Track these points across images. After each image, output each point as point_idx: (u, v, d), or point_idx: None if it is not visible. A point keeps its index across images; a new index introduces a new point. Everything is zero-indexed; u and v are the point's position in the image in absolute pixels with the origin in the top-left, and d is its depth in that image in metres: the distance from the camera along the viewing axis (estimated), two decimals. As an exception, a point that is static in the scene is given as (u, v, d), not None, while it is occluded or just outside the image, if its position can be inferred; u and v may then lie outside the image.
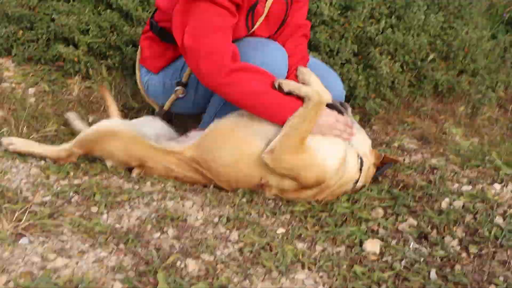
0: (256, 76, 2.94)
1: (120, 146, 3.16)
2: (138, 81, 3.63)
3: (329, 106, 3.04)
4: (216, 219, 2.82)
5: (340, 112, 3.08)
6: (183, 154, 3.12)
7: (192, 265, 2.40)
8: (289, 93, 2.95)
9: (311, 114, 2.90)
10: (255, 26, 3.23)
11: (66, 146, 3.24)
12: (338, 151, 2.99)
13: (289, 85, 2.94)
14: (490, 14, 5.07)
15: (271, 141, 2.92)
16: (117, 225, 2.68)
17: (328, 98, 2.99)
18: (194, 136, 3.19)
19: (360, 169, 3.06)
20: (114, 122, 3.31)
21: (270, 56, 3.11)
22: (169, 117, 3.56)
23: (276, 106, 2.93)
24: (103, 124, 3.23)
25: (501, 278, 2.47)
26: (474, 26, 4.52)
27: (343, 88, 3.57)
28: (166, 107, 3.50)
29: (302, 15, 3.49)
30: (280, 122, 2.93)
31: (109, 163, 3.22)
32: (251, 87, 2.92)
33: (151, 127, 3.36)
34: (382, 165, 3.20)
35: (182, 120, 3.75)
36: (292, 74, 3.21)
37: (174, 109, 3.54)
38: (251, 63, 2.99)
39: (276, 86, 2.94)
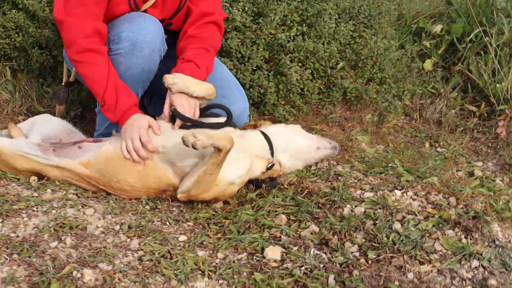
0: (101, 72, 3.08)
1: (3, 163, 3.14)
2: None
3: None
4: (117, 227, 2.77)
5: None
6: (76, 171, 3.10)
7: (88, 275, 2.35)
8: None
9: (222, 159, 2.93)
10: (145, 7, 3.27)
11: None
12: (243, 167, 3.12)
13: (202, 143, 2.83)
14: (399, 25, 5.20)
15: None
16: (12, 234, 2.60)
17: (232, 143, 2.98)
18: (88, 149, 3.17)
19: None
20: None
21: (138, 26, 3.15)
22: (70, 86, 3.66)
23: (112, 104, 3.08)
24: None
25: (396, 283, 2.54)
26: (383, 35, 4.63)
27: (247, 105, 3.62)
28: (72, 76, 3.56)
29: (210, 5, 3.49)
30: (111, 119, 3.11)
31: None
32: (95, 75, 3.08)
33: (48, 127, 3.33)
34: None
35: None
36: (185, 57, 3.25)
37: (81, 81, 3.47)
38: (120, 35, 3.12)
39: (189, 144, 2.84)
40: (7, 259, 2.40)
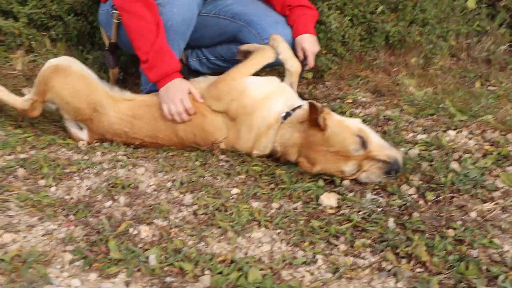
0: (149, 25, 3.04)
1: (67, 84, 3.05)
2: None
3: None
4: (169, 184, 2.75)
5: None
6: (136, 100, 3.13)
7: (145, 231, 2.34)
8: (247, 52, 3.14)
9: (259, 59, 3.10)
10: None
11: (28, 96, 3.15)
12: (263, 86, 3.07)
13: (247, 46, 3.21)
14: (438, -36, 5.03)
15: None
16: (67, 197, 2.60)
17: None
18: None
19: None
20: (63, 59, 3.16)
21: None
22: (115, 50, 3.57)
23: (156, 64, 3.04)
24: (51, 61, 3.12)
25: (459, 222, 2.46)
26: (422, -25, 4.48)
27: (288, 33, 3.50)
28: (113, 38, 3.48)
29: None
30: (150, 78, 3.09)
31: (62, 113, 3.18)
32: (141, 29, 3.05)
33: None
34: None
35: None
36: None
37: (120, 42, 3.50)
38: None
39: (236, 52, 3.21)
40: (64, 220, 2.40)
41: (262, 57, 3.11)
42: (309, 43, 3.34)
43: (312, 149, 2.80)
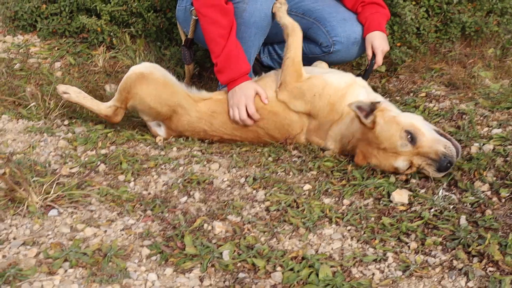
0: (221, 30, 3.15)
1: (150, 90, 3.16)
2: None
3: None
4: (242, 180, 2.82)
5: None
6: (213, 99, 3.23)
7: (219, 227, 2.42)
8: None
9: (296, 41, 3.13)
10: None
11: (110, 102, 3.29)
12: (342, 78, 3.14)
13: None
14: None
15: None
16: (144, 192, 2.71)
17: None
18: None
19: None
20: (145, 66, 3.27)
21: None
22: (191, 46, 3.66)
23: (225, 67, 3.16)
24: (134, 69, 3.23)
25: (534, 221, 2.43)
26: (501, -37, 4.35)
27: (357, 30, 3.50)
28: (190, 33, 3.57)
29: None
30: (220, 81, 3.23)
31: (142, 116, 3.31)
32: (213, 34, 3.16)
33: None
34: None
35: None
36: None
37: (196, 38, 3.59)
38: None
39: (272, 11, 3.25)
40: (141, 215, 2.51)
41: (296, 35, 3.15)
42: (380, 40, 3.33)
43: (368, 145, 2.82)
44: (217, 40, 3.13)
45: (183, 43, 3.66)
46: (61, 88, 3.31)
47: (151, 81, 3.15)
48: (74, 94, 3.30)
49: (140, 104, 3.19)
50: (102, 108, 3.28)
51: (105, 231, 2.38)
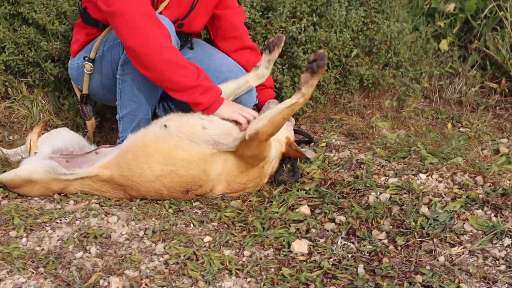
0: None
1: (36, 189, 3.11)
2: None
3: None
4: (141, 233, 2.76)
5: None
6: (98, 176, 3.08)
7: (115, 283, 2.34)
8: None
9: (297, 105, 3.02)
10: (161, 8, 3.32)
11: None
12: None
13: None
14: (410, 7, 5.12)
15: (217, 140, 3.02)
16: (37, 248, 2.60)
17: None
18: (105, 153, 3.16)
19: None
20: (29, 171, 3.12)
21: None
22: (87, 101, 3.61)
23: (210, 86, 3.12)
24: (18, 173, 3.11)
25: (428, 267, 2.49)
26: (396, 19, 4.54)
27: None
28: (84, 89, 3.54)
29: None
30: (203, 102, 3.09)
31: None
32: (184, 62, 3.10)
33: (60, 140, 3.34)
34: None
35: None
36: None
37: (91, 94, 3.59)
38: None
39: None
40: (33, 273, 2.40)
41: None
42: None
43: None
44: (185, 65, 3.07)
45: (79, 100, 3.61)
46: None
47: (36, 183, 3.09)
48: None
49: (26, 194, 3.14)
50: None
51: (-8, 291, 2.26)
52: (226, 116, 3.12)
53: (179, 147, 2.98)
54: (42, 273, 2.40)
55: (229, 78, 3.42)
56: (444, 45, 4.75)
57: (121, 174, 3.03)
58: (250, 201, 3.07)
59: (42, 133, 3.74)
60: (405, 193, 2.98)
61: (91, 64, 3.42)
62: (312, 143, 3.70)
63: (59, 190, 3.12)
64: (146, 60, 3.01)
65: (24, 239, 2.65)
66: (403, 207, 2.88)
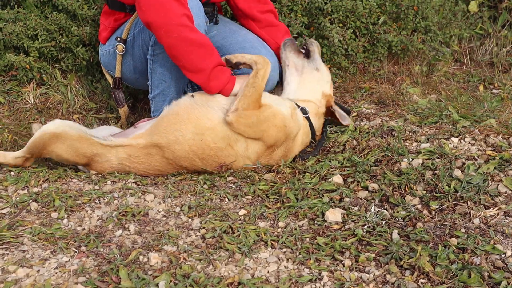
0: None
1: (65, 147, 3.16)
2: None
3: None
4: (177, 209, 2.82)
5: None
6: (133, 145, 3.16)
7: (154, 258, 2.40)
8: (238, 64, 3.26)
9: (262, 73, 3.14)
10: None
11: (19, 153, 3.25)
12: (284, 103, 3.26)
13: (236, 57, 3.27)
14: (437, -30, 5.06)
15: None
16: (78, 228, 2.67)
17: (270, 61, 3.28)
18: (143, 126, 3.25)
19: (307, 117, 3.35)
20: (57, 125, 3.22)
21: None
22: (120, 86, 3.69)
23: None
24: (45, 129, 3.19)
25: (462, 230, 2.50)
26: (422, -17, 4.51)
27: (276, 60, 3.66)
28: (116, 72, 3.62)
29: None
30: (222, 82, 3.16)
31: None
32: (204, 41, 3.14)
33: (102, 130, 3.46)
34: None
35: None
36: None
37: (124, 79, 3.68)
38: None
39: (224, 60, 3.26)
40: (75, 251, 2.47)
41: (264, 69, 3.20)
42: None
43: None
44: (205, 44, 3.13)
45: (111, 86, 3.68)
46: None
47: (65, 139, 3.15)
48: None
49: (57, 158, 3.22)
50: (10, 158, 3.25)
51: (38, 271, 2.33)
52: (237, 91, 3.19)
53: (205, 116, 3.11)
54: (84, 252, 2.47)
55: (252, 54, 3.44)
56: (473, 6, 4.68)
57: (156, 142, 3.14)
58: (283, 173, 3.10)
59: (79, 117, 3.84)
60: (438, 158, 2.98)
61: (123, 45, 3.49)
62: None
63: (90, 154, 3.18)
64: (164, 35, 3.07)
65: (65, 220, 2.73)
66: (436, 171, 2.88)
